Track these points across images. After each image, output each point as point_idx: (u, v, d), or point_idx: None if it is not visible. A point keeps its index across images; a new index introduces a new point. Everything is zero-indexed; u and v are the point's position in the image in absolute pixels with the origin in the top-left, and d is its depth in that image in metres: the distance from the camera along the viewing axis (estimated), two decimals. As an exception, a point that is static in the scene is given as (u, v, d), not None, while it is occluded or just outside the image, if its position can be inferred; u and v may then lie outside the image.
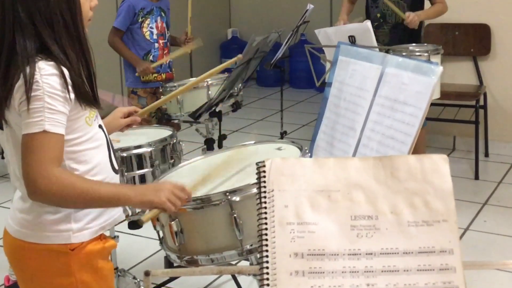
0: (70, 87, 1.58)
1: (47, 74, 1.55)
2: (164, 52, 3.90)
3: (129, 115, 2.17)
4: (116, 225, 2.89)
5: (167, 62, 3.95)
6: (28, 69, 1.55)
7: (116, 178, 1.79)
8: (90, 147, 1.69)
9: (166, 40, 3.93)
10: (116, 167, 1.81)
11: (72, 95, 1.59)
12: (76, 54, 1.63)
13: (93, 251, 1.71)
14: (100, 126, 1.76)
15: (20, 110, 1.56)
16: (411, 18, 3.95)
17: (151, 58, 3.89)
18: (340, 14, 4.34)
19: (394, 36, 4.13)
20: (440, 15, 4.23)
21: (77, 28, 1.64)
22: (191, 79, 3.71)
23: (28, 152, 1.55)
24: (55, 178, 1.54)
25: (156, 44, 3.90)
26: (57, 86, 1.56)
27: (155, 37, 3.87)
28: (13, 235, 1.71)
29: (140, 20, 3.83)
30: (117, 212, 1.80)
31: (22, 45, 1.57)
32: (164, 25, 3.92)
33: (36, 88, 1.54)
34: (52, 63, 1.57)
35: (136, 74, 3.85)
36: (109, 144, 1.79)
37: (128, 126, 2.17)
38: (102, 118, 1.95)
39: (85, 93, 1.64)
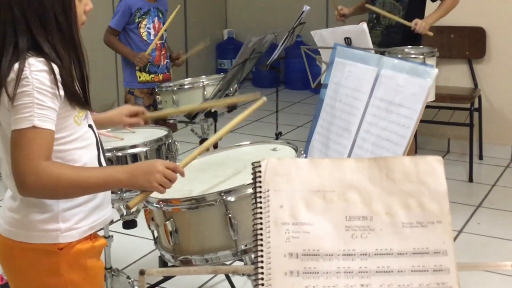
0: (59, 84, 1.58)
1: (36, 70, 1.55)
2: (162, 53, 3.91)
3: (135, 114, 2.17)
4: (110, 224, 2.90)
5: (165, 62, 3.95)
6: (17, 65, 1.54)
7: None
8: (78, 146, 1.68)
9: (163, 41, 3.93)
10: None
11: (62, 92, 1.58)
12: (68, 55, 1.63)
13: (82, 251, 1.70)
14: (90, 126, 1.75)
15: (9, 106, 1.55)
16: (419, 26, 3.84)
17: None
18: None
19: (387, 37, 4.11)
20: (452, 9, 4.04)
21: (70, 30, 1.64)
22: (186, 79, 3.71)
23: (17, 148, 1.54)
24: (43, 172, 1.54)
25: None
26: (47, 82, 1.56)
27: (152, 37, 3.87)
28: (3, 234, 1.71)
29: (137, 20, 3.83)
30: (107, 212, 1.79)
31: (14, 41, 1.57)
32: (162, 25, 3.92)
33: (26, 84, 1.53)
34: (42, 59, 1.57)
35: (137, 68, 3.85)
36: (98, 144, 1.77)
37: (131, 125, 2.18)
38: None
39: (75, 92, 1.63)
